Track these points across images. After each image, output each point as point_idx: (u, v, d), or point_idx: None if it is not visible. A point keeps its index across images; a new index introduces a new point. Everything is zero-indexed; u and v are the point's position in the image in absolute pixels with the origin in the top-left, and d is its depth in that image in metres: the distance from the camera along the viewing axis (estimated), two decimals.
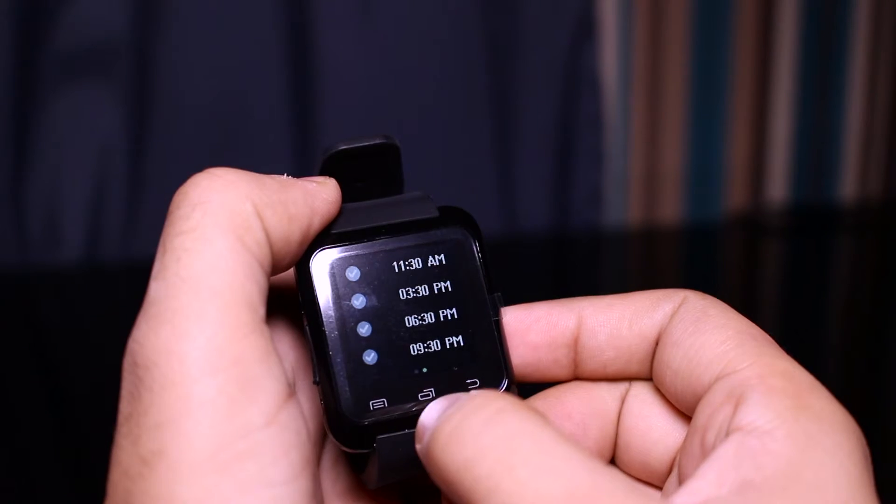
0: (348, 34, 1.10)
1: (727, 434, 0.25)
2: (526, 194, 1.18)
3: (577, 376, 0.32)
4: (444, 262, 0.31)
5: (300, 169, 1.12)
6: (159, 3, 1.06)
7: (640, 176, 1.23)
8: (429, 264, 0.31)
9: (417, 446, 0.27)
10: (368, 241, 0.30)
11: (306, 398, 0.31)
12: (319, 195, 0.29)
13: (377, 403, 0.29)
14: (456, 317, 0.30)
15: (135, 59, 1.07)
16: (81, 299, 1.08)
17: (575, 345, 0.31)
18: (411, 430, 0.29)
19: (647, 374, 0.31)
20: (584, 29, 1.16)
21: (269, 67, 1.10)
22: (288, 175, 0.29)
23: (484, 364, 0.30)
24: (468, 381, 0.30)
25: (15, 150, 1.07)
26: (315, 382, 0.29)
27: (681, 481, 0.27)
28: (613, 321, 0.30)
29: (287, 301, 0.31)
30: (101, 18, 1.05)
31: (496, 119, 1.16)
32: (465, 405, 0.26)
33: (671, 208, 1.25)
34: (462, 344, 0.30)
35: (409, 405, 0.29)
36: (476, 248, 0.31)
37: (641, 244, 1.25)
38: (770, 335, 0.29)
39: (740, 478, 0.24)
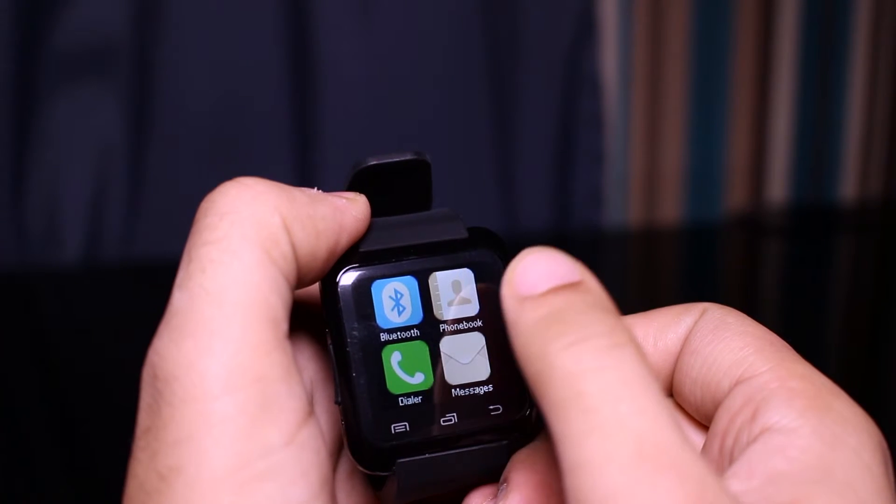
0: (348, 34, 1.10)
1: (753, 438, 0.25)
2: (526, 194, 1.18)
3: None
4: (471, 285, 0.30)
5: (300, 168, 1.12)
6: (159, 3, 1.05)
7: (640, 176, 1.23)
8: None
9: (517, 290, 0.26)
10: (396, 261, 0.30)
11: (323, 410, 0.31)
12: (349, 212, 0.29)
13: (399, 427, 0.29)
14: (480, 341, 0.30)
15: (135, 59, 1.06)
16: (81, 299, 1.08)
17: None
18: (431, 455, 0.29)
19: (670, 390, 0.30)
20: (584, 29, 1.16)
21: (269, 68, 1.09)
22: (318, 189, 0.29)
23: (506, 390, 0.29)
24: (490, 406, 0.29)
25: (15, 150, 1.06)
26: (336, 402, 0.29)
27: None
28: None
29: (308, 312, 0.31)
30: (101, 19, 1.04)
31: (496, 119, 1.16)
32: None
33: (671, 208, 1.25)
34: (486, 369, 0.30)
35: (431, 429, 0.29)
36: (504, 271, 0.30)
37: (641, 244, 1.25)
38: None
39: (770, 469, 0.24)
